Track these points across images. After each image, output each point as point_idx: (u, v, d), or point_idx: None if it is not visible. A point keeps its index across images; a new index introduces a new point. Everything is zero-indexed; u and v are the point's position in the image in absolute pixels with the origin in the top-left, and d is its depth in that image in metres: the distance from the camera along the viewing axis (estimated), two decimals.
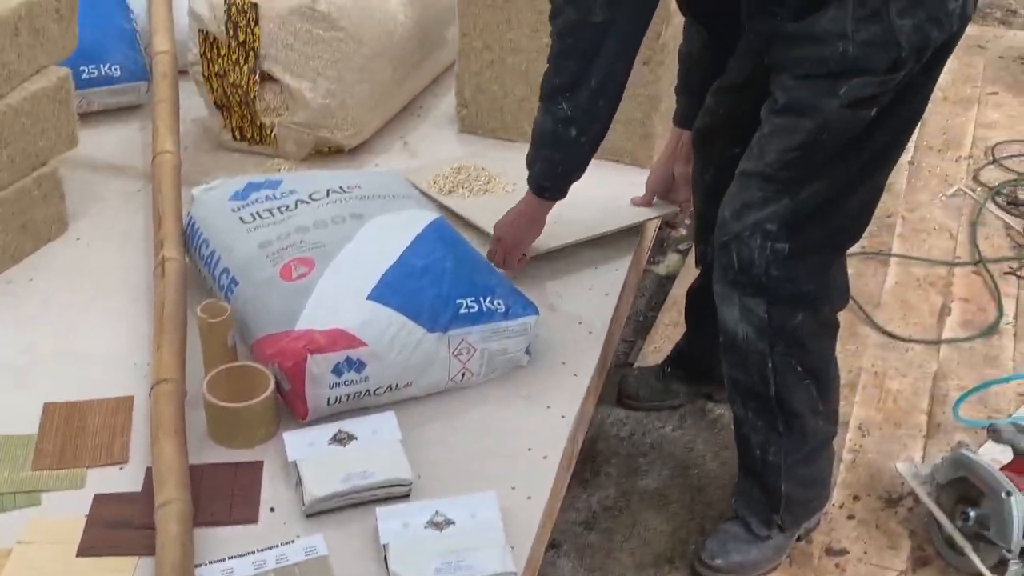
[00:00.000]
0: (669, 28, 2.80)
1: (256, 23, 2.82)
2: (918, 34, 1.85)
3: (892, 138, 2.03)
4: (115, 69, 3.11)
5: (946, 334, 2.96)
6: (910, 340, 2.92)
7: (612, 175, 2.81)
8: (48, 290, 2.47)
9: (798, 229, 2.03)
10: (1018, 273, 3.17)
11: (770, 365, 2.11)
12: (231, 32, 2.86)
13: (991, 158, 3.76)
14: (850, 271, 3.11)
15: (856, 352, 2.88)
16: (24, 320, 2.38)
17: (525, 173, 2.33)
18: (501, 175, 2.84)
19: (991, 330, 2.96)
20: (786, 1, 1.93)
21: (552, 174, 2.28)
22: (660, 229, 3.24)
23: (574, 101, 2.12)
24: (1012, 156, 3.77)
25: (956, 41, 1.99)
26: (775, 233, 2.02)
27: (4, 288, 2.47)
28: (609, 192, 2.72)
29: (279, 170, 2.96)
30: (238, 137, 3.03)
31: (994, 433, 2.23)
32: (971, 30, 4.73)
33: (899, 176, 3.62)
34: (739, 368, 2.16)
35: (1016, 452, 2.19)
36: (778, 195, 2.02)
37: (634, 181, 2.76)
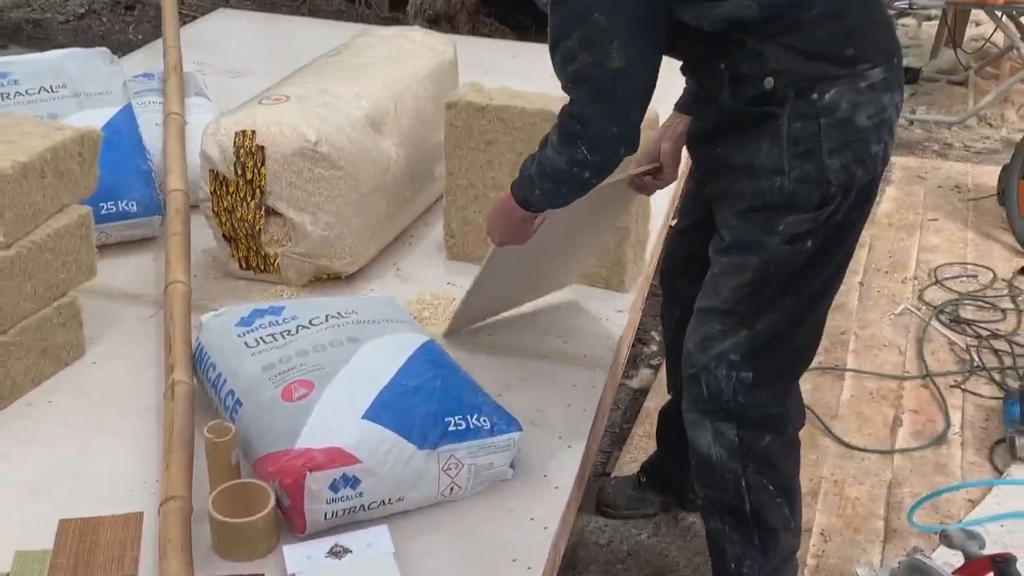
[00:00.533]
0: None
1: (263, 163, 2.86)
2: (845, 173, 1.91)
3: (832, 272, 2.07)
4: (132, 205, 3.13)
5: (899, 444, 2.96)
6: (866, 450, 2.92)
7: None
8: (65, 411, 2.45)
9: (759, 358, 2.05)
10: (963, 386, 3.19)
11: (744, 484, 2.11)
12: (239, 172, 2.89)
13: (934, 279, 3.80)
14: (808, 385, 3.16)
15: (817, 462, 2.87)
16: (42, 440, 2.35)
17: None
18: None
19: (940, 440, 2.96)
20: (726, 133, 1.99)
21: (550, 202, 2.15)
22: (633, 346, 3.25)
23: (593, 146, 1.96)
24: (953, 277, 3.82)
25: (879, 180, 2.06)
26: (739, 363, 2.05)
27: (24, 410, 2.45)
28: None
29: (282, 296, 2.97)
30: (244, 266, 3.04)
31: (946, 539, 2.22)
32: (911, 162, 4.89)
33: (851, 296, 3.66)
34: (714, 487, 2.16)
35: (967, 556, 2.18)
36: (736, 328, 2.04)
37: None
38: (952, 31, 6.19)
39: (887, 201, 4.43)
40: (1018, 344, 3.39)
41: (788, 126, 1.91)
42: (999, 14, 5.42)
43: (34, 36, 6.10)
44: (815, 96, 1.90)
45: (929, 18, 6.63)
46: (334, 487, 2.01)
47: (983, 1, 5.23)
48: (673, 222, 2.72)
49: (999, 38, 5.95)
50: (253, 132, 2.85)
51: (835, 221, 1.97)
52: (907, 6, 5.73)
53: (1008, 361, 3.31)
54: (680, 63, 2.12)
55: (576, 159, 1.97)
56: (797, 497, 2.24)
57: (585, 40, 1.87)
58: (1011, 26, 5.62)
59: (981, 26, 6.49)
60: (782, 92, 1.90)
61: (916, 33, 6.87)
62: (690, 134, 2.16)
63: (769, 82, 1.90)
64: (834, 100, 1.90)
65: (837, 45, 1.89)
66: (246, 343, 2.37)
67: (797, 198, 1.93)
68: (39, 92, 3.21)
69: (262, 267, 3.03)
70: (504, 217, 2.27)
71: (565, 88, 1.97)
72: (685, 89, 2.32)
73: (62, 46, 5.83)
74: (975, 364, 3.28)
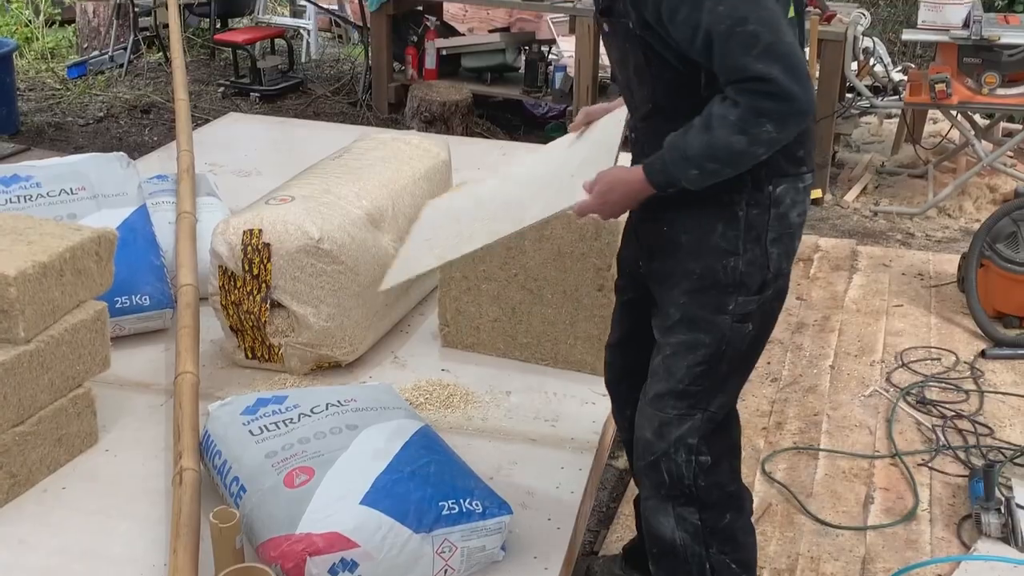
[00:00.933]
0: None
1: (268, 259, 2.89)
2: (779, 261, 1.98)
3: (757, 353, 2.10)
4: (144, 299, 3.15)
5: (871, 521, 2.93)
6: (840, 527, 2.89)
7: None
8: (78, 497, 2.45)
9: (715, 439, 2.05)
10: (930, 465, 3.17)
11: (708, 566, 2.09)
12: (247, 267, 2.92)
13: (901, 362, 3.79)
14: (784, 465, 3.16)
15: (793, 539, 2.84)
16: (56, 525, 2.35)
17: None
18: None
19: (910, 516, 2.94)
20: (677, 212, 1.97)
21: (701, 183, 1.88)
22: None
23: (787, 120, 1.80)
24: (918, 360, 3.80)
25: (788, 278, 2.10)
26: (697, 446, 2.03)
27: (39, 496, 2.44)
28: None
29: (285, 384, 2.98)
30: (250, 356, 3.05)
31: None
32: (877, 251, 4.92)
33: (823, 379, 3.65)
34: (678, 572, 2.12)
35: None
36: (691, 410, 2.02)
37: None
38: (911, 128, 6.29)
39: (855, 288, 4.44)
40: (981, 424, 3.37)
41: (746, 212, 1.93)
42: (954, 113, 5.52)
43: (56, 138, 6.17)
44: (769, 188, 1.94)
45: (890, 116, 6.71)
46: (333, 571, 2.01)
47: (939, 102, 5.32)
48: None
49: (955, 135, 6.04)
50: (260, 231, 2.89)
51: (766, 308, 2.01)
52: (869, 106, 5.84)
53: (972, 440, 3.29)
54: (651, 138, 1.99)
55: (761, 138, 1.80)
56: (755, 568, 2.22)
57: (764, 21, 1.77)
58: (966, 123, 5.72)
59: (938, 123, 6.58)
60: (742, 180, 1.91)
61: (878, 130, 6.96)
62: (636, 214, 2.10)
63: None
64: (781, 194, 1.95)
65: (794, 145, 1.91)
66: (250, 431, 2.37)
67: (746, 279, 1.95)
68: (60, 194, 3.25)
69: (267, 356, 3.05)
70: (626, 196, 1.97)
71: (743, 73, 1.78)
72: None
73: (82, 147, 5.94)
74: (941, 443, 3.26)
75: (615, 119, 2.21)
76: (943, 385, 3.64)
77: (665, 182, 1.90)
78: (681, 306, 2.00)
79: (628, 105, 2.10)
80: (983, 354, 3.83)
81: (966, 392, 3.59)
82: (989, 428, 3.36)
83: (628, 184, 1.95)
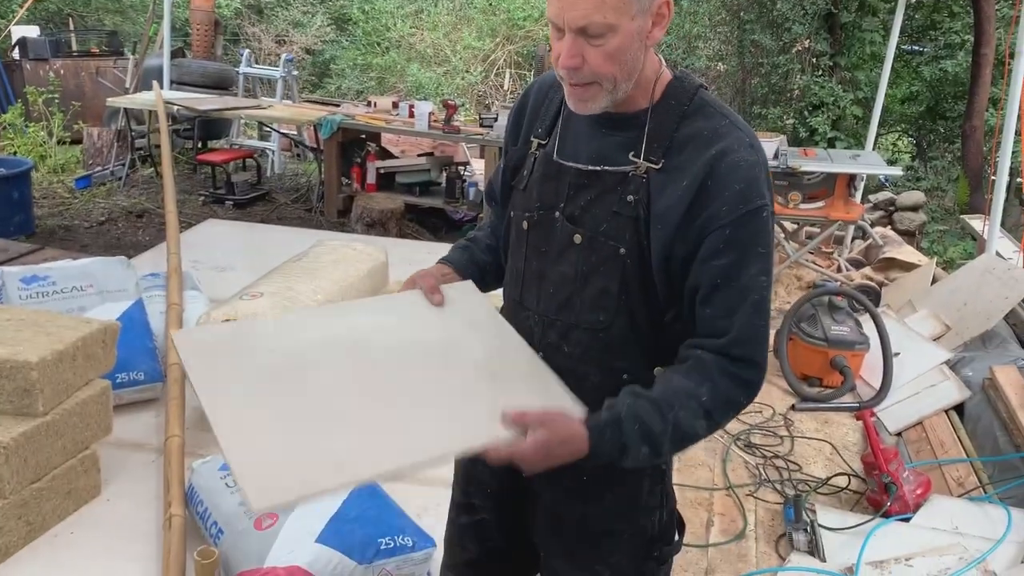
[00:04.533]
0: None
1: None
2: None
3: None
4: (140, 375, 3.11)
5: (711, 540, 2.99)
6: (688, 545, 2.95)
7: None
8: (84, 541, 2.40)
9: None
10: (755, 495, 3.26)
11: None
12: None
13: None
14: None
15: None
16: (66, 565, 2.30)
17: None
18: None
19: (741, 536, 3.00)
20: (603, 469, 1.38)
21: (647, 463, 1.37)
22: None
23: (753, 393, 1.37)
24: (746, 413, 3.83)
25: None
26: None
27: (51, 540, 2.39)
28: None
29: None
30: None
31: None
32: None
33: None
34: None
35: None
36: None
37: None
38: None
39: None
40: (792, 462, 3.47)
41: (667, 463, 1.54)
42: None
43: (65, 238, 6.03)
44: None
45: None
46: None
47: None
48: None
49: None
50: (235, 320, 2.89)
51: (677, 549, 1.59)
52: None
53: (785, 475, 3.39)
54: (584, 352, 1.44)
55: (716, 427, 1.36)
56: None
57: (767, 300, 1.35)
58: (778, 228, 5.99)
59: None
60: None
61: None
62: (556, 498, 1.51)
63: None
64: None
65: None
66: (227, 484, 2.36)
67: (668, 528, 1.55)
68: (71, 290, 3.21)
69: None
70: (568, 456, 1.30)
71: (744, 349, 1.32)
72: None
73: (87, 246, 5.82)
74: (763, 478, 3.36)
75: (479, 306, 1.53)
76: (764, 432, 3.72)
77: (606, 457, 1.31)
78: (612, 565, 1.51)
79: (546, 304, 1.46)
80: (793, 408, 3.93)
81: (781, 437, 3.67)
82: (798, 465, 3.46)
83: (574, 445, 1.30)
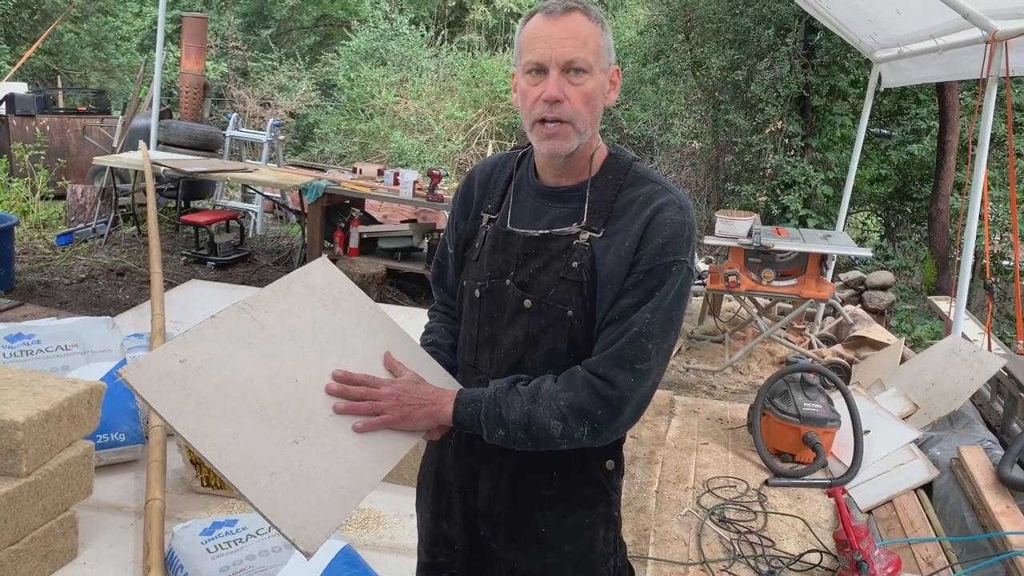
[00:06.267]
0: None
1: None
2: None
3: None
4: (120, 436, 3.10)
5: None
6: None
7: None
8: None
9: None
10: (729, 570, 3.27)
11: None
12: None
13: (707, 488, 3.89)
14: None
15: None
16: None
17: None
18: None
19: None
20: (558, 518, 1.57)
21: (496, 442, 1.49)
22: None
23: (601, 432, 1.45)
24: (720, 487, 3.91)
25: None
26: None
27: None
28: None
29: (233, 508, 2.95)
30: (205, 484, 3.02)
31: None
32: (688, 400, 5.10)
33: (650, 501, 3.73)
34: None
35: None
36: None
37: None
38: (712, 306, 6.66)
39: (673, 429, 4.57)
40: (766, 537, 3.49)
41: (617, 510, 1.63)
42: (743, 297, 5.90)
43: (45, 295, 6.00)
44: (615, 476, 1.63)
45: (695, 295, 7.08)
46: None
47: (731, 289, 5.67)
48: None
49: (744, 312, 6.42)
50: None
51: None
52: None
53: (759, 550, 3.40)
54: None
55: (571, 434, 1.44)
56: None
57: (662, 352, 1.46)
58: (751, 305, 6.12)
59: (731, 302, 6.99)
60: (610, 479, 1.61)
61: (688, 306, 7.32)
62: (502, 507, 1.60)
63: (610, 464, 1.61)
64: (620, 472, 1.66)
65: None
66: (207, 549, 2.35)
67: (623, 572, 1.66)
68: (56, 349, 3.21)
69: (219, 485, 3.02)
70: (425, 417, 1.49)
71: (609, 370, 1.43)
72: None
73: (66, 303, 5.81)
74: (737, 553, 3.37)
75: (329, 277, 1.60)
76: (738, 507, 3.75)
77: (468, 426, 1.49)
78: None
79: (498, 366, 1.56)
80: (767, 483, 3.97)
81: (755, 512, 3.70)
82: (771, 540, 3.48)
83: (433, 407, 1.49)
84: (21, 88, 10.27)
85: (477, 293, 1.59)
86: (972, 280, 5.61)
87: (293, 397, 1.44)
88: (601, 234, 1.47)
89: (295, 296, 1.54)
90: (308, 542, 1.33)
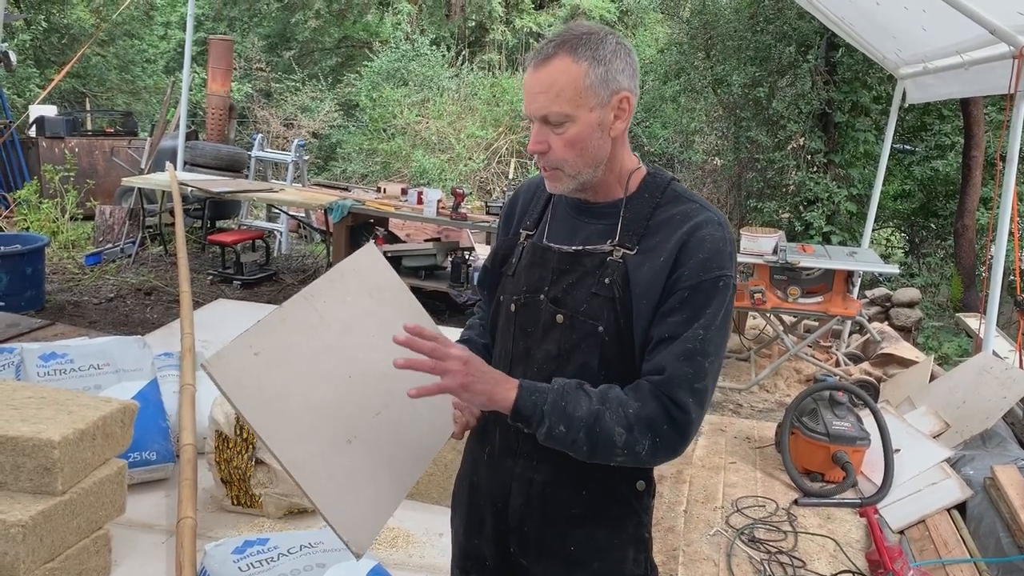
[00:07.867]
0: None
1: None
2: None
3: None
4: (152, 454, 3.13)
5: None
6: None
7: None
8: None
9: None
10: None
11: None
12: (237, 431, 2.94)
13: (736, 508, 3.86)
14: None
15: None
16: None
17: None
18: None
19: None
20: (588, 535, 1.56)
21: (554, 443, 1.43)
22: None
23: (660, 451, 1.42)
24: (749, 506, 3.88)
25: None
26: None
27: None
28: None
29: (263, 526, 2.96)
30: (235, 503, 3.04)
31: None
32: (715, 419, 5.06)
33: (678, 521, 3.70)
34: None
35: None
36: None
37: None
38: (738, 324, 6.61)
39: (700, 448, 4.54)
40: (796, 558, 3.45)
41: (648, 531, 1.62)
42: (768, 315, 5.87)
43: (74, 314, 6.08)
44: (647, 497, 1.62)
45: None
46: None
47: (757, 306, 5.64)
48: None
49: (770, 330, 6.36)
50: None
51: None
52: None
53: (790, 571, 3.36)
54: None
55: (633, 446, 1.41)
56: None
57: (715, 370, 1.46)
58: (777, 322, 6.07)
59: (756, 320, 6.95)
60: (641, 499, 1.59)
61: None
62: (533, 523, 1.59)
63: (641, 484, 1.59)
64: (652, 493, 1.64)
65: None
66: (240, 568, 2.36)
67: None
68: (88, 368, 3.25)
69: (249, 503, 3.04)
70: (489, 398, 1.42)
71: (672, 390, 1.41)
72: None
73: (95, 322, 5.87)
74: (768, 573, 3.33)
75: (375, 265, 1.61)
76: (767, 527, 3.71)
77: (527, 416, 1.42)
78: None
79: (527, 367, 1.57)
80: (796, 502, 3.93)
81: (784, 532, 3.66)
82: (802, 561, 3.43)
83: (499, 386, 1.43)
84: (51, 111, 10.45)
85: (513, 307, 1.60)
86: (1001, 297, 5.54)
87: (347, 395, 1.46)
88: (635, 251, 1.48)
89: (348, 285, 1.54)
90: (361, 544, 1.40)
